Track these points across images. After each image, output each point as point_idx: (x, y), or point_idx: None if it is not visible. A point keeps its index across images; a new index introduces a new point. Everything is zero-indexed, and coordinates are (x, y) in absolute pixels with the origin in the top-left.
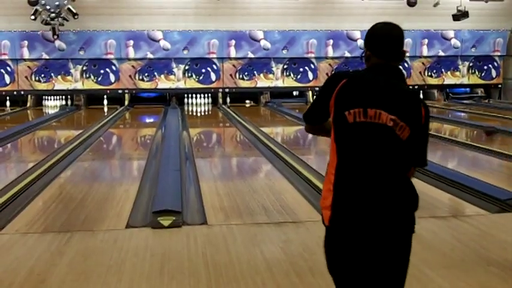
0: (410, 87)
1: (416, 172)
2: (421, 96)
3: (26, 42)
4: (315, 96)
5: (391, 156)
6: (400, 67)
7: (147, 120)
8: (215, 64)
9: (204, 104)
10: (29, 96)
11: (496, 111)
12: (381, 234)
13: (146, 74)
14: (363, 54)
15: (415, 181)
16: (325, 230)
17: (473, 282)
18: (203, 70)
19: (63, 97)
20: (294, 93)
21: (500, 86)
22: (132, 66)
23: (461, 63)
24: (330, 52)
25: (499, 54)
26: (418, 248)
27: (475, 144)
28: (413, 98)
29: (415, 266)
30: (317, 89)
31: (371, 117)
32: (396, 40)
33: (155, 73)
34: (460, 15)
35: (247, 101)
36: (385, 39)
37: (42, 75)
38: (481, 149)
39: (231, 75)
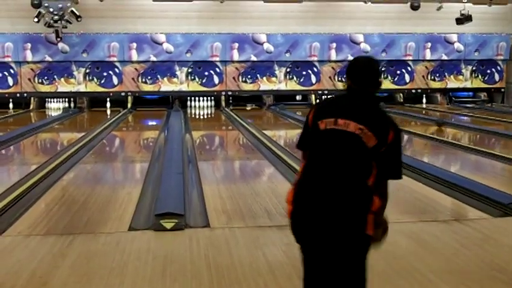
0: (413, 90)
1: (417, 176)
2: (424, 100)
3: (29, 45)
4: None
5: (355, 160)
6: (377, 94)
7: (150, 123)
8: (218, 67)
9: (207, 107)
10: (32, 98)
11: (499, 115)
12: (330, 230)
13: (149, 77)
14: (344, 82)
15: (417, 185)
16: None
17: (476, 287)
18: (206, 73)
19: (66, 99)
20: (297, 97)
21: (503, 90)
22: (135, 69)
23: (464, 67)
24: (333, 55)
25: (502, 58)
26: (421, 252)
27: (477, 148)
28: (382, 117)
29: (417, 270)
30: (320, 92)
31: (340, 125)
32: (372, 71)
33: (158, 76)
34: (463, 19)
35: (249, 105)
36: (363, 70)
37: (45, 78)
38: (484, 153)
39: (234, 78)
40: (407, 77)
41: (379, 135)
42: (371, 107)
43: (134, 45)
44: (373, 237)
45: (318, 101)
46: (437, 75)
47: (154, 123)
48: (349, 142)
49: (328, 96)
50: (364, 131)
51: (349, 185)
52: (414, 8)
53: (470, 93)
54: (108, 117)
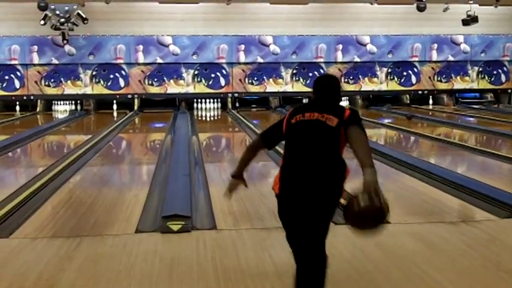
0: (420, 92)
1: (424, 177)
2: (431, 101)
3: (35, 47)
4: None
5: (323, 139)
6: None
7: (157, 125)
8: (224, 69)
9: (213, 108)
10: (39, 101)
11: (505, 116)
12: (309, 197)
13: (155, 79)
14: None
15: (424, 186)
16: (276, 197)
17: None
18: (212, 75)
19: (73, 102)
20: (304, 100)
21: (509, 91)
22: (142, 71)
23: (470, 68)
24: (339, 57)
25: (508, 59)
26: (428, 253)
27: (484, 149)
28: (338, 106)
29: (424, 271)
30: None
31: (307, 117)
32: (332, 88)
33: (164, 78)
34: (470, 20)
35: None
36: (324, 88)
37: (52, 80)
38: (491, 154)
39: (240, 80)
40: (413, 78)
41: (338, 115)
42: (332, 103)
43: (141, 47)
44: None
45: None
46: (444, 76)
47: (160, 125)
48: (315, 126)
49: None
50: (325, 116)
51: (325, 159)
52: (420, 9)
53: (477, 94)
54: (115, 119)
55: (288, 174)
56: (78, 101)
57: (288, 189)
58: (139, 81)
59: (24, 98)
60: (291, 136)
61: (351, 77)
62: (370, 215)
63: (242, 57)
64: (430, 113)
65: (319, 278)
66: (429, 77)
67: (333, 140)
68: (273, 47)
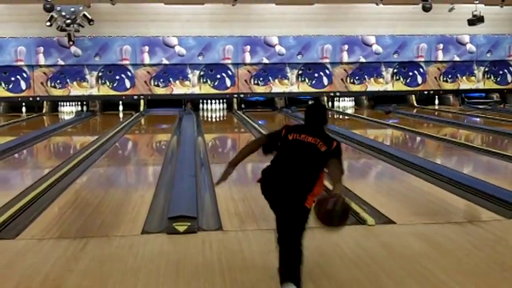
0: (426, 92)
1: (430, 177)
2: (437, 101)
3: (41, 49)
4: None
5: (309, 159)
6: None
7: (163, 126)
8: (230, 70)
9: (219, 109)
10: (45, 102)
11: (511, 116)
12: (281, 196)
13: (161, 80)
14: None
15: (430, 186)
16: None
17: None
18: (218, 76)
19: (79, 103)
20: (310, 102)
21: None
22: (148, 72)
23: (476, 68)
24: (345, 57)
25: None
26: (433, 254)
27: (490, 149)
28: (328, 135)
29: (430, 271)
30: (332, 94)
31: (302, 138)
32: (319, 115)
33: (170, 79)
34: (475, 20)
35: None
36: (312, 114)
37: (58, 81)
38: (497, 154)
39: (246, 80)
40: (419, 79)
41: (327, 144)
42: (322, 131)
43: (146, 48)
44: (311, 209)
45: (330, 103)
46: (450, 76)
47: (166, 126)
48: (307, 148)
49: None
50: (318, 141)
51: (301, 175)
52: (426, 9)
53: (483, 94)
54: (121, 120)
55: (274, 175)
56: (84, 102)
57: (270, 186)
58: (145, 82)
59: (30, 99)
60: (285, 148)
61: (357, 78)
62: (332, 216)
63: (248, 58)
64: (436, 113)
65: (292, 267)
66: (435, 77)
67: (318, 161)
68: (278, 48)
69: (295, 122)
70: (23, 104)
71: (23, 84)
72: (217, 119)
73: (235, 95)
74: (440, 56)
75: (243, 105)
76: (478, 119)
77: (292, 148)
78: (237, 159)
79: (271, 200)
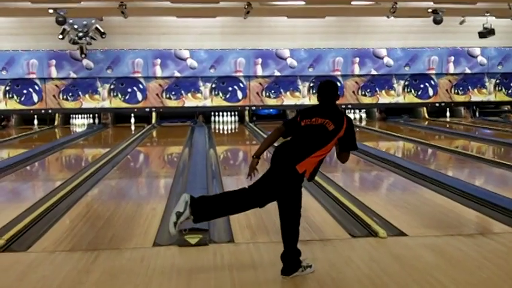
0: (437, 104)
1: (442, 190)
2: (448, 113)
3: (53, 61)
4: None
5: (314, 136)
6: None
7: (174, 138)
8: (242, 82)
9: (231, 121)
10: (57, 114)
11: None
12: (277, 168)
13: (173, 93)
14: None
15: (442, 199)
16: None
17: None
18: (230, 88)
19: (91, 115)
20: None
21: None
22: (159, 84)
23: (487, 80)
24: (356, 70)
25: None
26: (445, 266)
27: (502, 161)
28: (339, 113)
29: (442, 284)
30: (343, 106)
31: (313, 121)
32: (330, 90)
33: (182, 91)
34: (486, 32)
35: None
36: (324, 90)
37: (70, 94)
38: (509, 166)
39: (257, 93)
40: (430, 91)
41: (336, 122)
42: (332, 109)
43: (158, 61)
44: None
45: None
46: (461, 88)
47: (178, 138)
48: (316, 129)
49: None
50: (326, 121)
51: (300, 145)
52: (437, 22)
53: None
54: (133, 132)
55: (281, 148)
56: (96, 115)
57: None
58: (157, 94)
59: (42, 111)
60: (298, 132)
61: (368, 90)
62: None
63: (259, 71)
64: (448, 125)
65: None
66: (446, 90)
67: (323, 138)
68: (290, 60)
69: None
70: (35, 116)
71: (35, 97)
72: (229, 132)
73: (247, 108)
74: (452, 69)
75: (254, 118)
76: (490, 131)
77: (303, 131)
78: (260, 150)
79: (270, 170)
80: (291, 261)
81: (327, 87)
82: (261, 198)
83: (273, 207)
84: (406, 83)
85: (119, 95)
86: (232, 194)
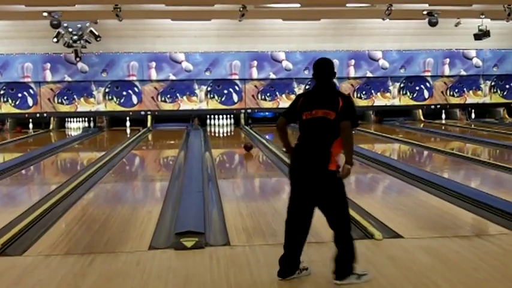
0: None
1: (438, 191)
2: (443, 116)
3: (48, 65)
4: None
5: (322, 130)
6: (334, 82)
7: (170, 142)
8: (237, 85)
9: (227, 124)
10: (52, 118)
11: None
12: (305, 170)
13: (168, 96)
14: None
15: (438, 201)
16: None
17: None
18: (225, 91)
19: (86, 119)
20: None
21: None
22: (155, 87)
23: (483, 82)
24: (352, 72)
25: None
26: (441, 268)
27: (498, 163)
28: (334, 96)
29: (437, 285)
30: None
31: (313, 114)
32: (326, 67)
33: (177, 94)
34: (482, 34)
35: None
36: (320, 68)
37: (65, 98)
38: (504, 168)
39: (253, 96)
40: (426, 93)
41: (335, 109)
42: (329, 92)
43: (153, 64)
44: (336, 170)
45: None
46: (456, 90)
47: (174, 141)
48: (319, 121)
49: (307, 90)
50: (326, 112)
51: (316, 147)
52: (432, 24)
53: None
54: (128, 136)
55: (298, 152)
56: (91, 118)
57: (295, 167)
58: (152, 98)
59: (37, 115)
60: (302, 128)
61: (364, 92)
62: None
63: (255, 74)
64: (443, 128)
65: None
66: (442, 92)
67: (330, 130)
68: (285, 63)
69: None
70: (30, 120)
71: (30, 101)
72: (225, 135)
73: (243, 111)
74: (447, 71)
75: (250, 121)
76: (485, 133)
77: (307, 127)
78: (286, 145)
79: (297, 179)
80: (345, 266)
81: (323, 66)
82: (310, 210)
83: (269, 210)
84: (402, 85)
85: (114, 99)
86: (291, 226)
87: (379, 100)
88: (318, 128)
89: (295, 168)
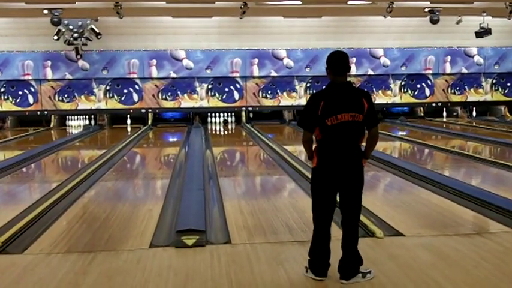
0: (434, 104)
1: (438, 189)
2: (445, 113)
3: (49, 63)
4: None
5: (352, 133)
6: (349, 80)
7: (171, 140)
8: (238, 83)
9: (228, 122)
10: (53, 116)
11: None
12: (343, 172)
13: (169, 93)
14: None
15: (438, 198)
16: (313, 169)
17: None
18: (226, 89)
19: (87, 117)
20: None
21: None
22: (155, 85)
23: (484, 80)
24: (353, 70)
25: None
26: (442, 266)
27: (499, 161)
28: (358, 96)
29: (438, 283)
30: None
31: (340, 119)
32: (341, 62)
33: (178, 92)
34: (483, 32)
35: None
36: (336, 61)
37: (66, 95)
38: (505, 166)
39: (254, 93)
40: (427, 91)
41: (362, 111)
42: (352, 92)
43: (154, 61)
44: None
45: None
46: (458, 88)
47: (175, 139)
48: (348, 126)
49: (324, 88)
50: (354, 115)
51: (352, 147)
52: (434, 21)
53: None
54: (129, 134)
55: (327, 155)
56: (92, 116)
57: (332, 167)
58: (153, 95)
59: (38, 113)
60: (329, 134)
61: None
62: None
63: (256, 71)
64: (444, 125)
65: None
66: (443, 90)
67: (360, 130)
68: (286, 61)
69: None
70: (31, 118)
71: (30, 99)
72: (226, 132)
73: (244, 108)
74: (448, 68)
75: (251, 115)
76: (487, 131)
77: (334, 132)
78: (311, 153)
79: (333, 179)
80: (353, 265)
81: (343, 61)
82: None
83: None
84: (403, 83)
85: (115, 96)
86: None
87: (381, 98)
88: (347, 132)
89: (329, 170)
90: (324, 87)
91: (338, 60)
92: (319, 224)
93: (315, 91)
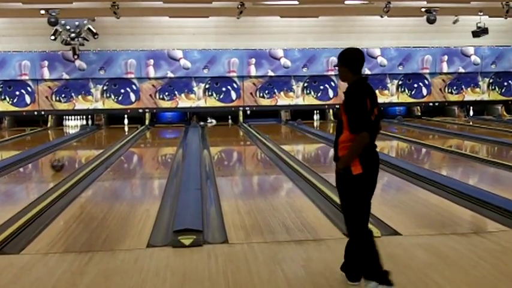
0: (431, 104)
1: (436, 189)
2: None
3: (46, 63)
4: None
5: (377, 129)
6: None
7: (168, 139)
8: (235, 83)
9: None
10: (50, 116)
11: None
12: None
13: (167, 93)
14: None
15: (436, 198)
16: (358, 176)
17: None
18: (223, 89)
19: (84, 117)
20: (315, 117)
21: None
22: (153, 85)
23: (481, 79)
24: None
25: None
26: (440, 265)
27: (496, 160)
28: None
29: (436, 283)
30: (337, 106)
31: (375, 113)
32: (362, 60)
33: (176, 92)
34: (480, 31)
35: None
36: (361, 59)
37: (63, 95)
38: (502, 165)
39: (251, 93)
40: (424, 90)
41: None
42: (372, 90)
43: (151, 61)
44: None
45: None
46: (455, 88)
47: (172, 139)
48: (378, 120)
49: (357, 86)
50: (378, 110)
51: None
52: (430, 21)
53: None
54: (126, 133)
55: (371, 157)
56: (89, 116)
57: (373, 165)
58: (150, 95)
59: (35, 113)
60: (372, 129)
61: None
62: None
63: (253, 71)
64: (441, 125)
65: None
66: (440, 89)
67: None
68: (283, 60)
69: (300, 135)
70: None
71: (27, 99)
72: (223, 132)
73: (241, 108)
74: (445, 68)
75: (248, 112)
76: (484, 130)
77: (374, 128)
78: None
79: (375, 179)
80: (360, 267)
81: (362, 57)
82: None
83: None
84: (400, 82)
85: (112, 96)
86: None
87: (378, 97)
88: (377, 126)
89: (375, 173)
90: (321, 86)
91: (363, 58)
92: (365, 231)
93: (312, 91)
